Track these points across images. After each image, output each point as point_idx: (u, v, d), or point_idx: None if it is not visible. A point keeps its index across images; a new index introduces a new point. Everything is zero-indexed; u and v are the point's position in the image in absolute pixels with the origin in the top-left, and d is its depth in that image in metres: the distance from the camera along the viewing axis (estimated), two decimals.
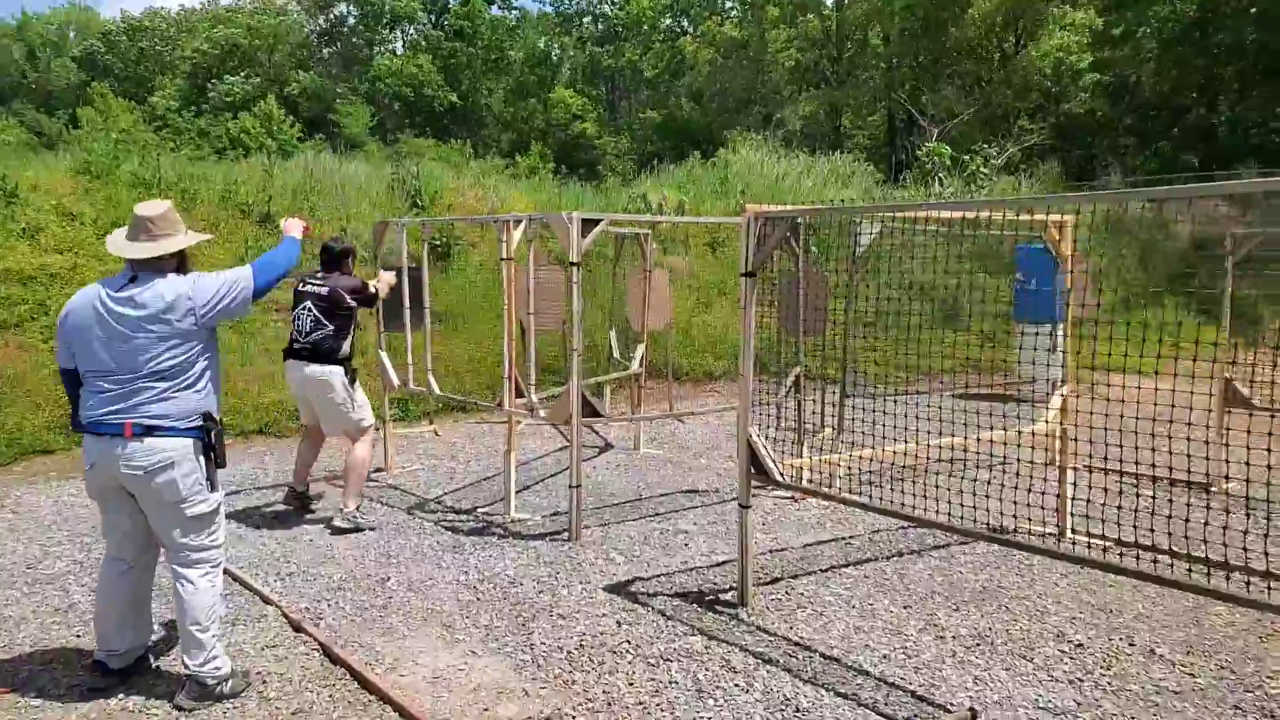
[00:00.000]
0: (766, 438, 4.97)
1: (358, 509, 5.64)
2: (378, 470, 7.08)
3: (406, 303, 6.75)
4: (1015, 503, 4.41)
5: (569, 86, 47.66)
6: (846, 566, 5.07)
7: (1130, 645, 4.02)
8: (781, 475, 4.35)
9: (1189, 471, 4.15)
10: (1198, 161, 24.42)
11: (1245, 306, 15.27)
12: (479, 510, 6.12)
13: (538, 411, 5.63)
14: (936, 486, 5.09)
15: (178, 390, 3.37)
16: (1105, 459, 5.35)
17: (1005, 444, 5.78)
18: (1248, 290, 14.80)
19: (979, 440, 5.35)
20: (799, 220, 5.55)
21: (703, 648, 3.94)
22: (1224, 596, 2.90)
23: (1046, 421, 5.57)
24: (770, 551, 5.33)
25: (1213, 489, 6.81)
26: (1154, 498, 4.65)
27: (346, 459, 5.72)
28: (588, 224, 5.32)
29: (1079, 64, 26.22)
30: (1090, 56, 26.54)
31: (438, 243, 11.11)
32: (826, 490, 4.57)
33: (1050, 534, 5.60)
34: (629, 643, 3.98)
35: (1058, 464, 5.59)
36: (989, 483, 4.67)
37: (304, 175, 12.07)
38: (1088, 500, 5.09)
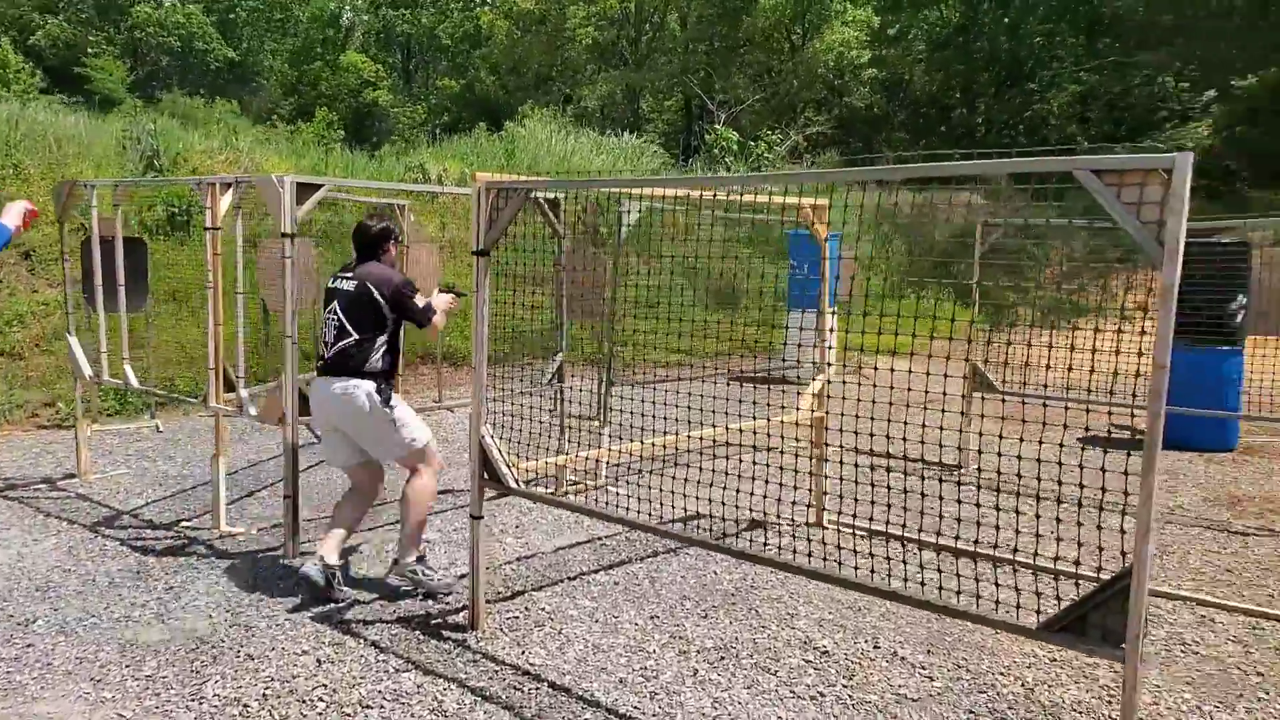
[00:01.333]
0: (523, 433, 4.51)
1: (420, 561, 4.31)
2: (68, 477, 6.03)
3: (121, 280, 5.71)
4: (765, 496, 4.19)
5: (361, 51, 45.22)
6: (597, 572, 4.70)
7: (875, 648, 3.86)
8: (516, 482, 3.88)
9: (941, 449, 4.04)
10: (959, 158, 26.18)
11: (992, 293, 16.40)
12: (182, 524, 5.28)
13: (247, 408, 4.88)
14: (685, 481, 4.82)
15: None
16: (856, 447, 5.28)
17: (758, 433, 5.64)
18: (991, 279, 15.76)
19: (740, 431, 5.14)
20: (535, 192, 5.09)
21: (414, 687, 3.42)
22: (955, 614, 2.70)
23: (798, 410, 5.44)
24: (518, 559, 4.87)
25: (961, 470, 7.03)
26: (906, 479, 4.55)
27: (404, 490, 4.27)
28: (305, 189, 4.62)
29: (859, 59, 27.47)
30: (869, 53, 27.89)
31: (174, 210, 9.86)
32: (552, 496, 4.15)
33: (810, 523, 5.50)
34: (325, 687, 3.39)
35: (813, 452, 5.49)
36: (739, 476, 4.42)
37: (7, 126, 10.35)
38: (841, 487, 5.00)
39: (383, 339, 4.22)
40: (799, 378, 9.51)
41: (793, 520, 5.38)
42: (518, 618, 4.14)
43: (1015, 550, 3.90)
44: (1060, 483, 2.98)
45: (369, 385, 4.15)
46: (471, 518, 3.98)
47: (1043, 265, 17.29)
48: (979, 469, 6.75)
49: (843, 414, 4.26)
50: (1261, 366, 7.94)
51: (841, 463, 4.92)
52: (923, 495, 3.61)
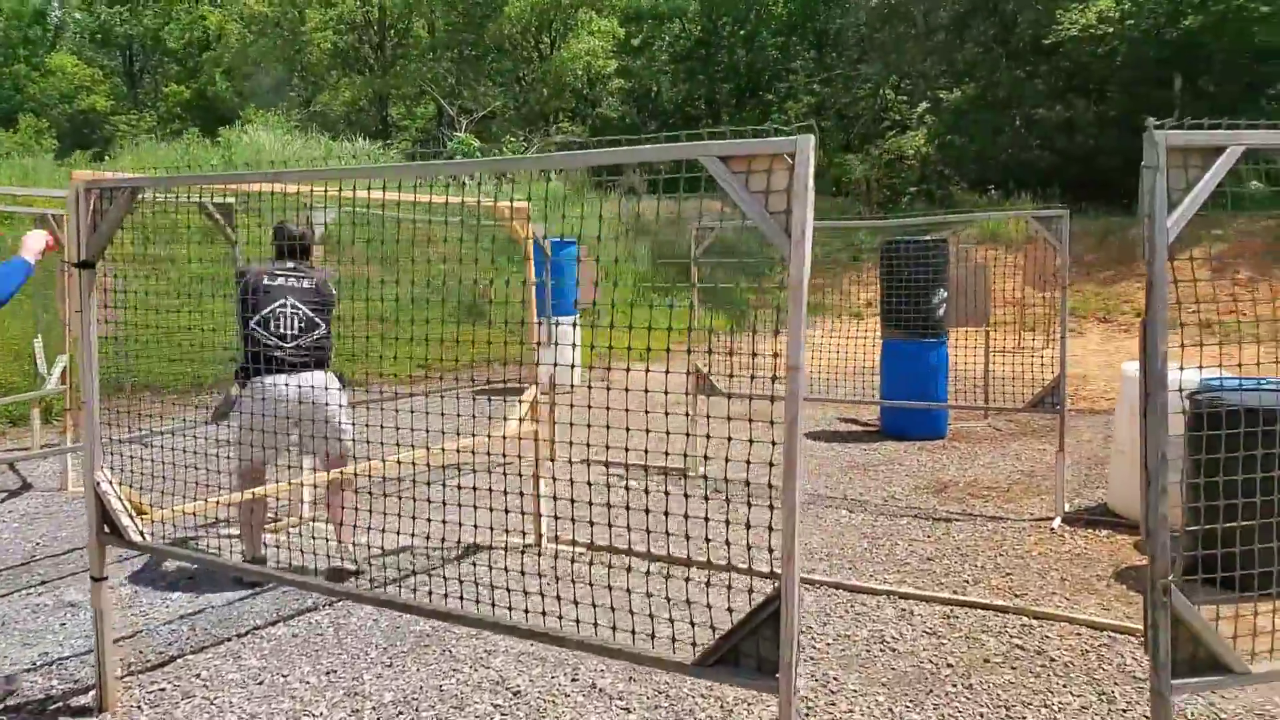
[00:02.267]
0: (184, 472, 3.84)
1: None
2: None
3: None
4: (492, 514, 3.80)
5: (74, 53, 40.62)
6: (275, 624, 4.11)
7: (572, 682, 3.56)
8: (141, 534, 3.25)
9: (666, 456, 3.81)
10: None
11: (723, 294, 16.90)
12: None
13: None
14: (403, 502, 4.33)
15: None
16: (576, 457, 5.01)
17: (476, 452, 5.24)
18: (716, 281, 16.14)
19: (458, 450, 4.72)
20: (202, 196, 4.45)
21: None
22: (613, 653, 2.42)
23: (520, 420, 5.10)
24: (181, 617, 4.19)
25: (690, 474, 6.99)
26: (627, 490, 4.30)
27: (332, 484, 4.53)
28: None
29: (605, 69, 27.83)
30: (615, 63, 28.33)
31: None
32: (177, 549, 3.56)
33: (529, 544, 5.16)
34: None
35: (534, 469, 5.17)
36: (459, 497, 3.99)
37: None
38: (571, 500, 4.70)
39: (330, 333, 4.59)
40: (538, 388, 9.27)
41: (506, 544, 5.03)
42: (164, 690, 3.50)
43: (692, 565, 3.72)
44: (740, 488, 2.75)
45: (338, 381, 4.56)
46: (92, 580, 3.31)
47: (772, 266, 18.13)
48: (704, 475, 6.76)
49: (571, 423, 3.98)
50: (963, 356, 8.52)
51: (554, 478, 4.62)
52: (646, 509, 3.35)
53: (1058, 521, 5.62)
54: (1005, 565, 4.94)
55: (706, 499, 3.12)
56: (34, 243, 3.45)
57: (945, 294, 8.14)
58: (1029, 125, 21.46)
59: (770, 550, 2.31)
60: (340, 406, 4.55)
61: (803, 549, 5.19)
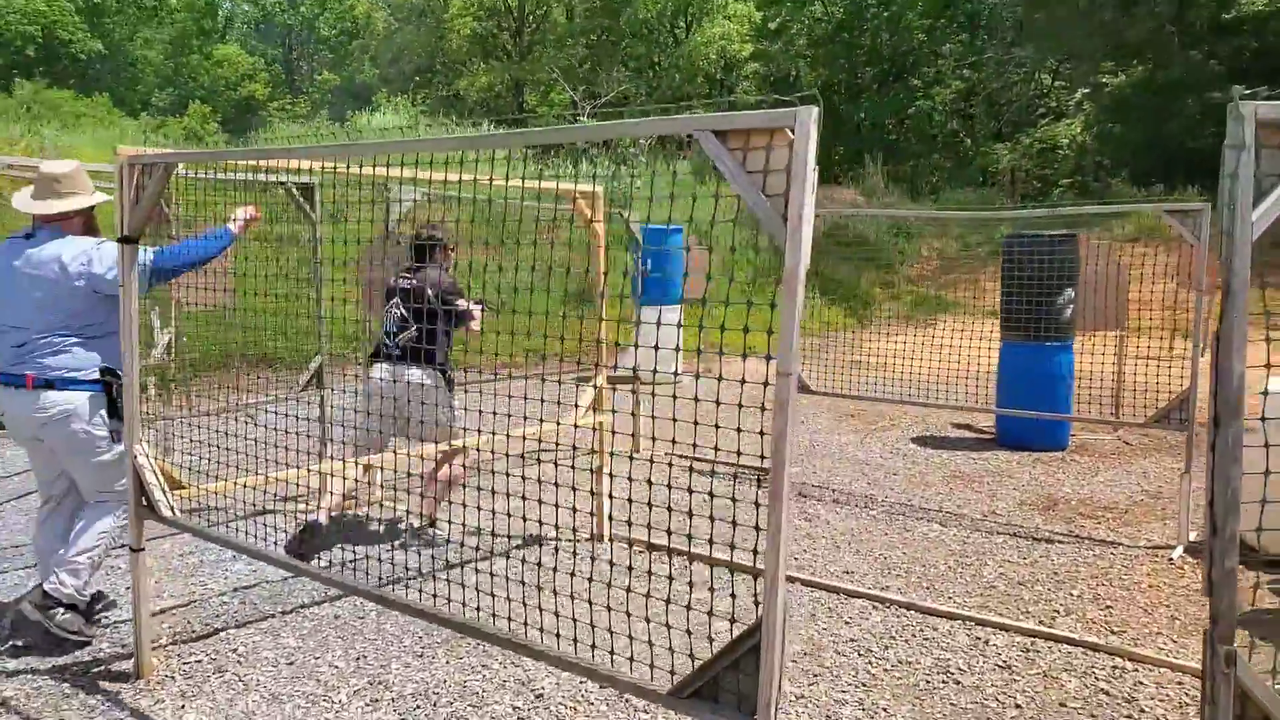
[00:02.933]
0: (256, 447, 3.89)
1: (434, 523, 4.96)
2: None
3: None
4: (557, 506, 3.66)
5: (239, 42, 43.27)
6: (322, 603, 4.12)
7: (600, 690, 3.39)
8: (172, 509, 3.27)
9: (737, 455, 3.58)
10: (840, 153, 26.34)
11: (846, 288, 16.22)
12: None
13: None
14: (478, 491, 4.28)
15: (76, 345, 3.52)
16: (658, 450, 4.83)
17: (543, 441, 5.12)
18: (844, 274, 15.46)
19: (522, 436, 4.62)
20: (283, 176, 4.49)
21: None
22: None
23: (578, 412, 4.95)
24: (235, 590, 4.26)
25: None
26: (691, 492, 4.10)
27: (440, 462, 4.87)
28: None
29: (740, 53, 27.36)
30: (751, 47, 27.81)
31: None
32: (209, 530, 3.56)
33: (591, 539, 5.03)
34: None
35: (597, 460, 5.02)
36: (523, 487, 3.89)
37: None
38: (629, 499, 4.53)
39: (438, 334, 4.71)
40: (654, 376, 9.09)
41: (574, 534, 4.92)
42: (200, 662, 3.54)
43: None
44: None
45: (438, 375, 4.78)
46: (130, 550, 3.36)
47: (904, 259, 17.35)
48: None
49: (654, 417, 3.79)
50: (1095, 363, 7.83)
51: (628, 476, 4.44)
52: (718, 496, 3.14)
53: (1178, 551, 5.03)
54: (1107, 596, 4.45)
55: (757, 504, 2.87)
56: (240, 213, 3.93)
57: (1073, 294, 7.49)
58: (1204, 112, 19.70)
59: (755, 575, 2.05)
60: (434, 403, 4.64)
61: (880, 564, 4.85)
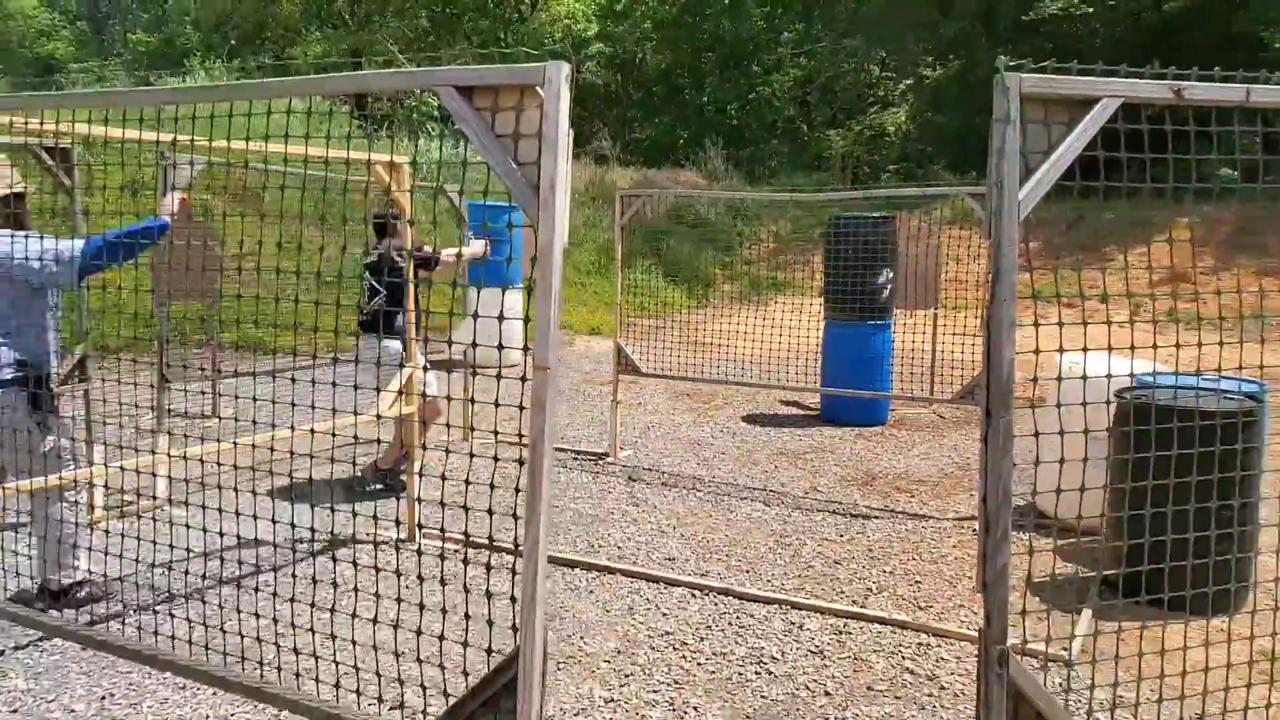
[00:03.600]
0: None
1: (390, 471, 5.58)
2: None
3: None
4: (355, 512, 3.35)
5: None
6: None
7: None
8: None
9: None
10: (683, 137, 26.57)
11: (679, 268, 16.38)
12: None
13: None
14: (257, 494, 3.89)
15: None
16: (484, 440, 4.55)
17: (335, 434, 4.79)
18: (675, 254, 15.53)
19: (311, 432, 4.25)
20: (31, 138, 3.95)
21: None
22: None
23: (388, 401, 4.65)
24: None
25: (608, 458, 6.57)
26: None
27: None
28: None
29: (585, 33, 27.08)
30: (596, 27, 27.57)
31: None
32: None
33: (400, 539, 4.74)
34: None
35: (403, 452, 4.73)
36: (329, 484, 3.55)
37: None
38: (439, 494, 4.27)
39: (399, 298, 4.99)
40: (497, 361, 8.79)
41: (375, 539, 4.61)
42: None
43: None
44: None
45: (395, 345, 5.15)
46: None
47: (743, 240, 17.66)
48: (617, 460, 6.32)
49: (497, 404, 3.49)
50: (911, 340, 8.09)
51: (442, 471, 4.17)
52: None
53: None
54: (916, 571, 4.55)
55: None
56: (170, 199, 3.92)
57: (891, 274, 7.70)
58: None
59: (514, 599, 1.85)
60: (393, 365, 4.79)
61: (703, 548, 4.79)
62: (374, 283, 5.24)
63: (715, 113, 28.44)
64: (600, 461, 6.47)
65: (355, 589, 2.77)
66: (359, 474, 5.56)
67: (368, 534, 4.61)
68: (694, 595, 4.17)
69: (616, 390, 6.57)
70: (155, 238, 3.72)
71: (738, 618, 3.95)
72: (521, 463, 1.73)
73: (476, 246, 5.85)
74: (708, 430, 7.54)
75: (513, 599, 1.73)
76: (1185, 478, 4.07)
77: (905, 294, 7.79)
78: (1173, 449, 4.02)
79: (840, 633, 3.82)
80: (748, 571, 4.51)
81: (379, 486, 5.57)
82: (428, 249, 5.35)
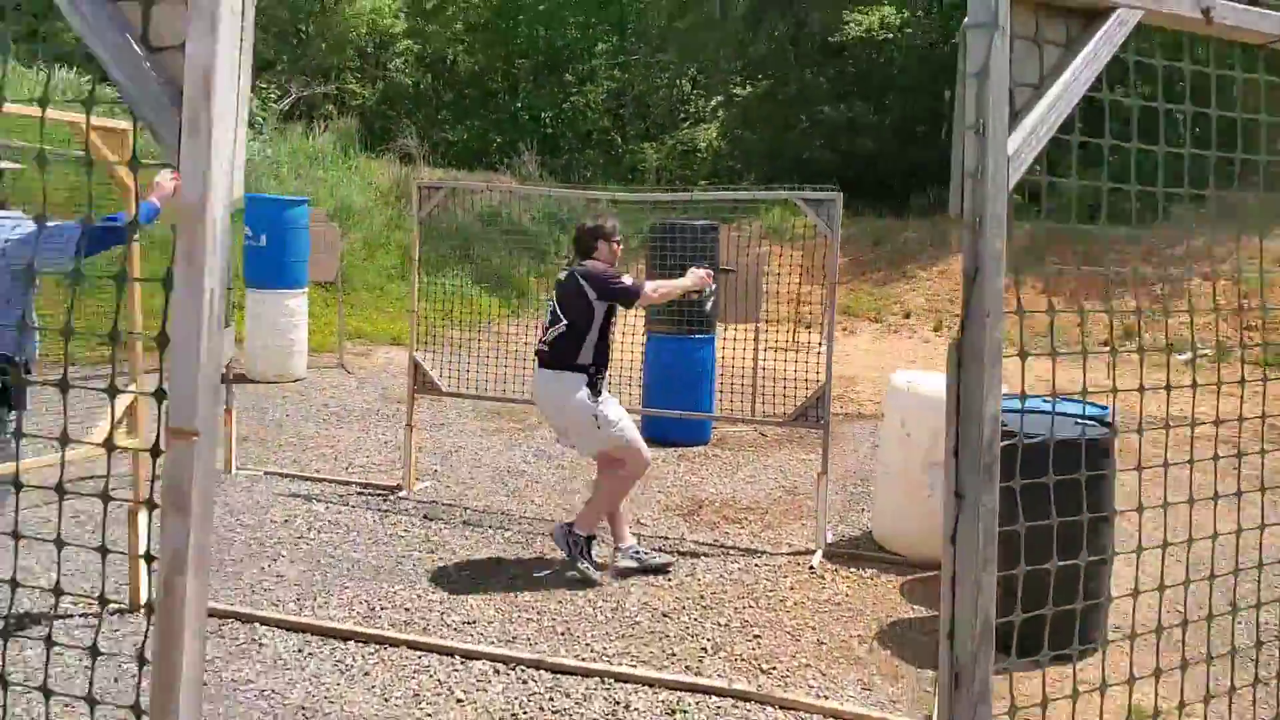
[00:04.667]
0: None
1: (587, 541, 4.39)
2: None
3: None
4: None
5: None
6: None
7: None
8: None
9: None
10: (497, 142, 25.75)
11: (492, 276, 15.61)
12: None
13: None
14: None
15: None
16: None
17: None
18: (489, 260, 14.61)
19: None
20: None
21: None
22: None
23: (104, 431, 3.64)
24: None
25: (401, 491, 5.70)
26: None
27: (599, 480, 4.54)
28: None
29: (392, 29, 25.72)
30: (404, 24, 26.24)
31: None
32: None
33: (125, 608, 3.71)
34: None
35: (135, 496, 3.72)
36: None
37: None
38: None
39: (585, 330, 4.32)
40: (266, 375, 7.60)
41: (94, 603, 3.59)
42: None
43: None
44: None
45: (578, 379, 4.30)
46: None
47: (559, 249, 17.05)
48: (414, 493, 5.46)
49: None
50: (734, 354, 7.69)
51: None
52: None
53: (818, 558, 4.77)
54: (754, 621, 4.01)
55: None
56: (163, 186, 3.50)
57: (715, 286, 7.26)
58: (815, 125, 21.50)
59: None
60: (570, 404, 4.32)
61: (510, 605, 4.05)
62: (557, 308, 4.47)
63: (530, 119, 27.76)
64: (391, 497, 5.60)
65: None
66: (550, 534, 4.52)
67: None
68: (497, 670, 3.43)
69: (411, 412, 5.71)
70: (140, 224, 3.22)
71: (551, 699, 3.25)
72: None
73: (687, 279, 4.80)
74: (520, 455, 6.80)
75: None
76: (1045, 510, 3.77)
77: (729, 307, 7.38)
78: (1042, 476, 3.68)
79: (674, 712, 3.20)
80: (563, 633, 3.81)
81: (587, 566, 4.33)
82: (627, 279, 4.54)
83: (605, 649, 3.68)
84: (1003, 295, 0.99)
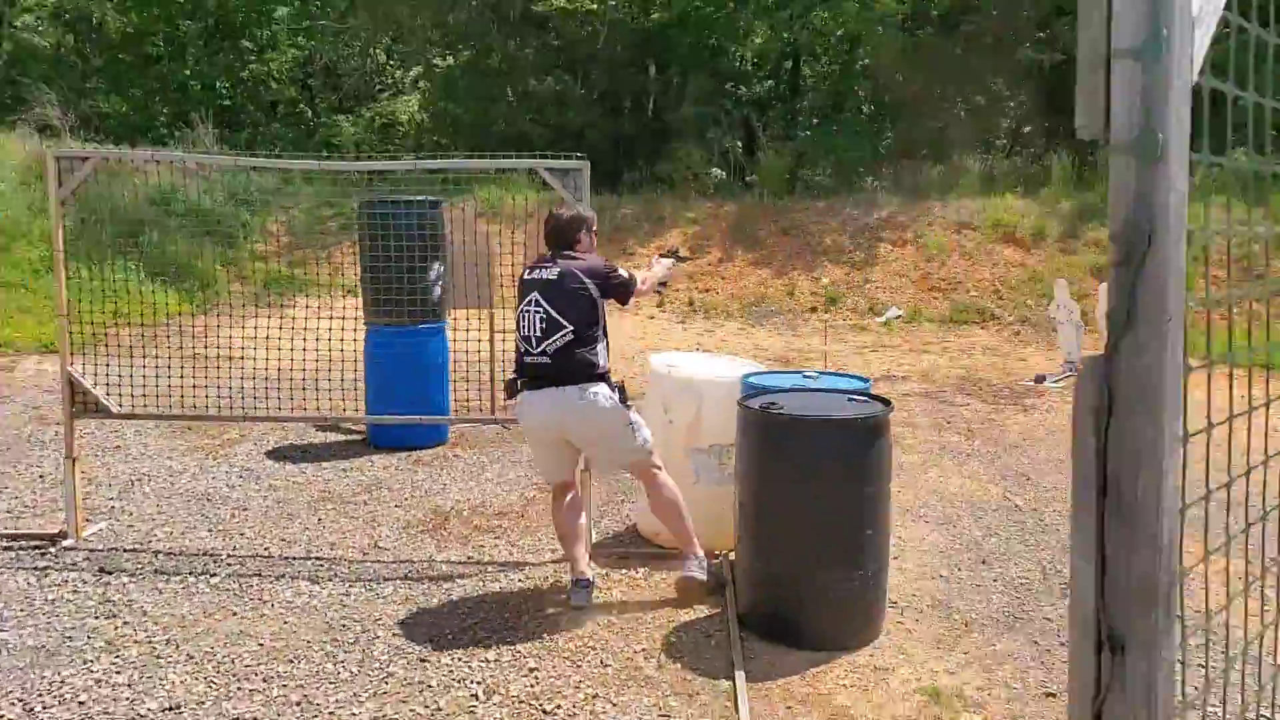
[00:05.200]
0: None
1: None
2: None
3: None
4: None
5: None
6: None
7: None
8: None
9: None
10: (165, 114, 22.83)
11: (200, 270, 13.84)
12: None
13: None
14: None
15: None
16: None
17: None
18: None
19: None
20: None
21: None
22: None
23: None
24: None
25: (66, 540, 4.57)
26: None
27: (655, 503, 4.00)
28: None
29: None
30: None
31: None
32: None
33: None
34: None
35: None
36: None
37: None
38: None
39: (595, 329, 3.85)
40: None
41: None
42: None
43: None
44: None
45: (605, 390, 3.81)
46: None
47: (249, 233, 15.36)
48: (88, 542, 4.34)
49: None
50: (467, 342, 7.07)
51: None
52: None
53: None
54: (528, 652, 3.52)
55: None
56: None
57: (442, 269, 6.62)
58: (523, 98, 21.03)
59: None
60: (610, 422, 3.79)
61: (226, 672, 3.26)
62: (550, 310, 3.77)
63: (202, 89, 24.87)
64: (53, 549, 4.46)
65: None
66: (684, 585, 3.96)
67: None
68: None
69: (71, 443, 4.57)
70: None
71: None
72: None
73: (659, 267, 4.31)
74: (222, 477, 5.78)
75: None
76: (814, 495, 3.58)
77: (458, 292, 6.76)
78: (806, 460, 3.47)
79: None
80: (299, 703, 3.10)
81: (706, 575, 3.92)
82: (624, 271, 4.04)
83: (355, 715, 3.03)
84: (1184, 269, 0.57)
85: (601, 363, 3.86)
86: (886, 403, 3.59)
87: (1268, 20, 0.98)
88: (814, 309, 12.54)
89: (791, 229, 14.38)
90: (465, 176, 12.77)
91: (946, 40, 19.31)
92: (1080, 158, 15.48)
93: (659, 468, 3.97)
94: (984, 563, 4.38)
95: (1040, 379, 9.12)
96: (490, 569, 4.34)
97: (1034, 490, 5.56)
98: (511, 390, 3.97)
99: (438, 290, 6.54)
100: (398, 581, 4.16)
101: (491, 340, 7.07)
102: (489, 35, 21.61)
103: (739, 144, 18.60)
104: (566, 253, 3.91)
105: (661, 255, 4.48)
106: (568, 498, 4.02)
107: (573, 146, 19.45)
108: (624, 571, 4.29)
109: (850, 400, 3.64)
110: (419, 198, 6.41)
